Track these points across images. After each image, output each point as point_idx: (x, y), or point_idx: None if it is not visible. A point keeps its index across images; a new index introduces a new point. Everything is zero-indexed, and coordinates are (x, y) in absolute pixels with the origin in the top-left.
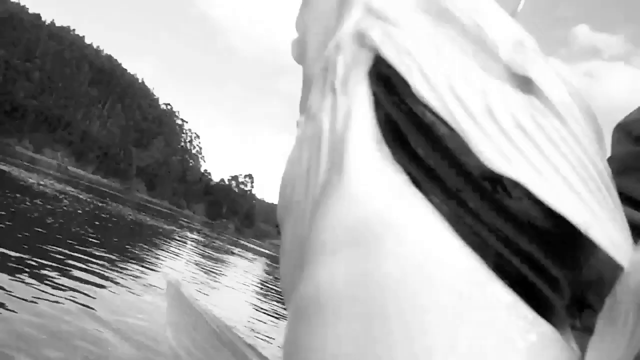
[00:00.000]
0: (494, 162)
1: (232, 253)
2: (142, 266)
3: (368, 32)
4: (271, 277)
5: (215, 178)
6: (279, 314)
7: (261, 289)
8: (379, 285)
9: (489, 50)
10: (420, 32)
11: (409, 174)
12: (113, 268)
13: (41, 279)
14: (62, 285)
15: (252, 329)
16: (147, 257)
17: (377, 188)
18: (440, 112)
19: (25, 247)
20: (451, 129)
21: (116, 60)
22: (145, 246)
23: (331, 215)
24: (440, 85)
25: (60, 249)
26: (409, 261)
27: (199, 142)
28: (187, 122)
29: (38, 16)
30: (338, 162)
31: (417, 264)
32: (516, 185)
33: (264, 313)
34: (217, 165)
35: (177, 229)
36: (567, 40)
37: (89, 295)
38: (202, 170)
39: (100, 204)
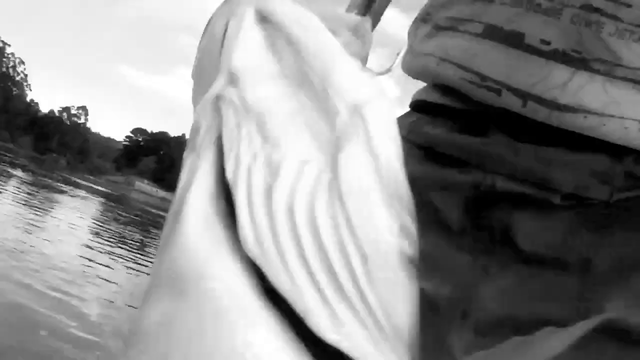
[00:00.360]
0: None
1: (63, 191)
2: None
3: (221, 102)
4: (106, 217)
5: (44, 109)
6: (114, 255)
7: (95, 229)
8: (178, 333)
9: (329, 118)
10: (269, 114)
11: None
12: None
13: None
14: None
15: (86, 273)
16: None
17: (202, 241)
18: (237, 204)
19: None
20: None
21: None
22: None
23: (164, 260)
24: (246, 183)
25: None
26: (207, 315)
27: (24, 69)
28: (9, 45)
29: None
30: (179, 212)
31: (214, 319)
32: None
33: (99, 254)
34: (47, 95)
35: None
36: None
37: None
38: (28, 99)
39: None
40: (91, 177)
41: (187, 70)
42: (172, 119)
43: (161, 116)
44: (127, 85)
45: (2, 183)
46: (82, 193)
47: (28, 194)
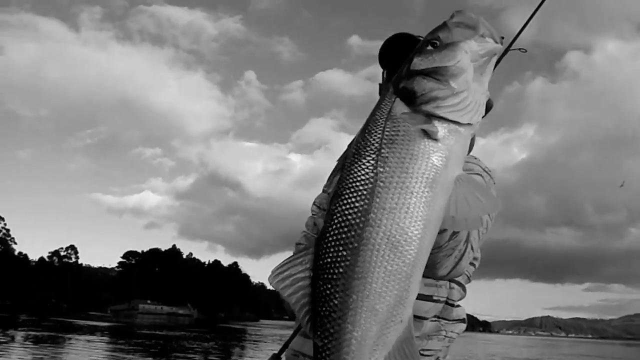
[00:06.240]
0: None
1: (69, 339)
2: None
3: None
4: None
5: (35, 256)
6: None
7: None
8: None
9: None
10: None
11: None
12: None
13: None
14: None
15: None
16: None
17: None
18: None
19: None
20: None
21: None
22: None
23: None
24: None
25: None
26: None
27: (5, 224)
28: None
29: None
30: None
31: None
32: None
33: None
34: (35, 242)
35: None
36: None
37: None
38: (16, 253)
39: None
40: (95, 313)
41: (157, 181)
42: (157, 233)
43: (146, 233)
44: (105, 211)
45: (7, 345)
46: (87, 337)
47: (34, 352)
